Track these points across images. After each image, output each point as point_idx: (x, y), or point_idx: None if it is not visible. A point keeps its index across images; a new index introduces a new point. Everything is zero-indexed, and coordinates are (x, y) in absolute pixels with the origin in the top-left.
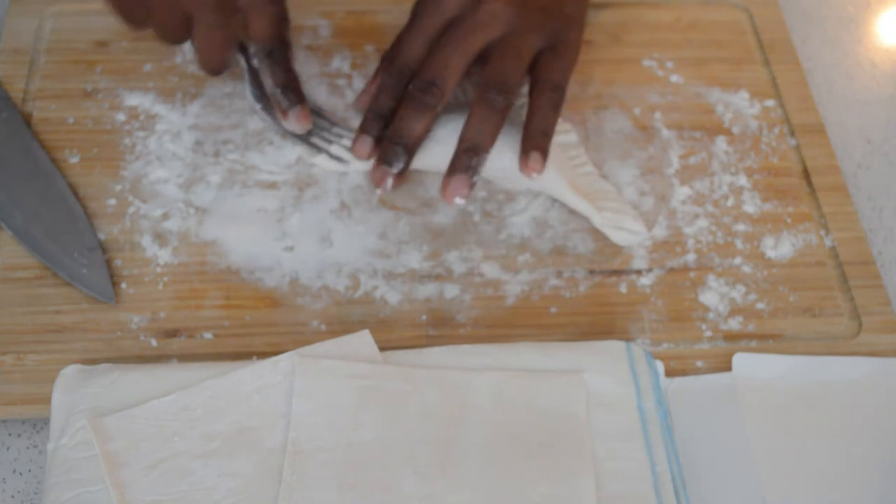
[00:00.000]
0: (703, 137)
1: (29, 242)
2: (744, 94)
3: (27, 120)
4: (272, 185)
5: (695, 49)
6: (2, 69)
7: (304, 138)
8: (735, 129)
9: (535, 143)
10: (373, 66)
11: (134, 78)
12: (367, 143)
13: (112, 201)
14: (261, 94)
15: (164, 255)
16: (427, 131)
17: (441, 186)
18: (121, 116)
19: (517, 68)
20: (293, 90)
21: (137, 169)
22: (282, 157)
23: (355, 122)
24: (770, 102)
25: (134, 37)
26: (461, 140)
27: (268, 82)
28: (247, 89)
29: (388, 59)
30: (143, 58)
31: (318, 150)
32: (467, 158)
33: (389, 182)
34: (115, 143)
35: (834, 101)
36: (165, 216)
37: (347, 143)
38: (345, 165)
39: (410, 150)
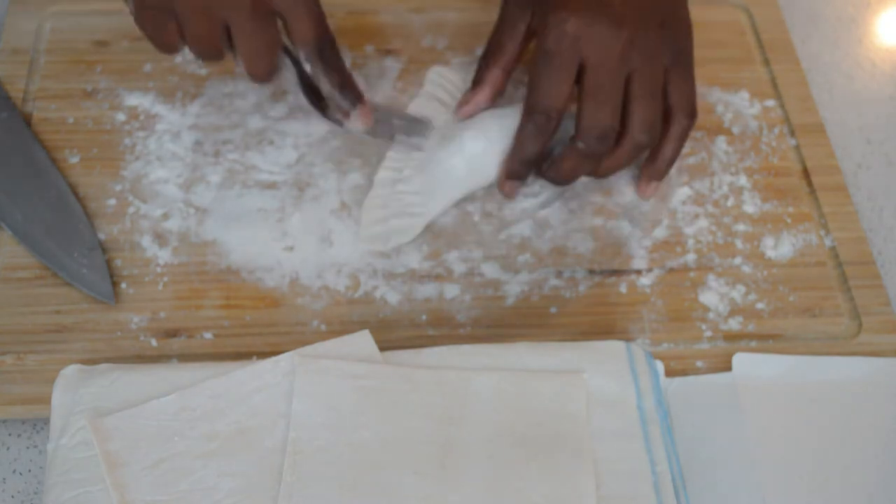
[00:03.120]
0: (703, 137)
1: (29, 242)
2: (744, 94)
3: (27, 120)
4: (272, 185)
5: (695, 49)
6: (2, 69)
7: (370, 133)
8: (735, 129)
9: (660, 173)
10: (373, 65)
11: (134, 78)
12: (515, 187)
13: (112, 201)
14: (316, 97)
15: (164, 255)
16: None
17: (500, 182)
18: (121, 116)
19: (656, 109)
20: (351, 88)
21: (137, 169)
22: (282, 157)
23: (417, 110)
24: (770, 102)
25: (135, 37)
26: (549, 171)
27: (324, 85)
28: (301, 94)
29: (531, 103)
30: (143, 58)
31: (381, 132)
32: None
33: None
34: (115, 143)
35: (834, 101)
36: (165, 216)
37: (408, 130)
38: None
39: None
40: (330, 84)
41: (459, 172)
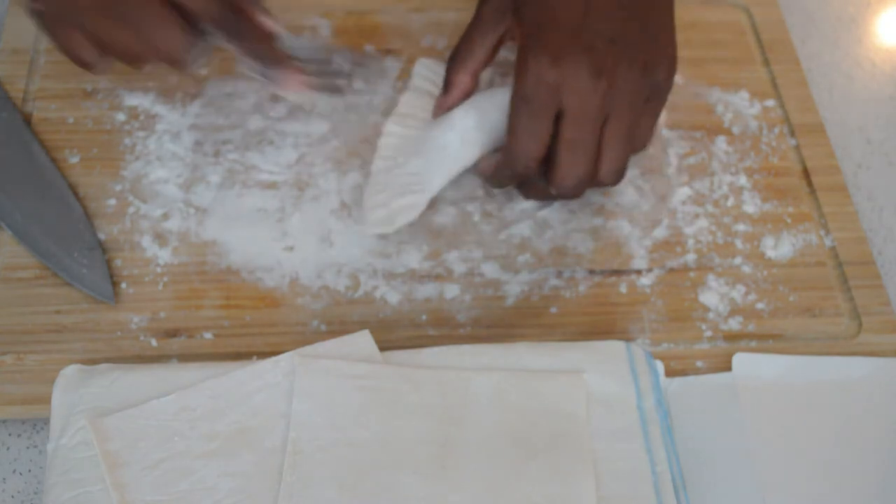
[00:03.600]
0: (703, 137)
1: (29, 242)
2: (744, 94)
3: (27, 120)
4: (272, 185)
5: (695, 49)
6: (2, 69)
7: (319, 87)
8: (735, 129)
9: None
10: (373, 66)
11: (134, 78)
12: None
13: (112, 201)
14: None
15: (164, 255)
16: None
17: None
18: (121, 116)
19: (626, 153)
20: (270, 57)
21: (137, 169)
22: (282, 156)
23: (407, 105)
24: (770, 102)
25: None
26: (522, 194)
27: (245, 60)
28: (243, 65)
29: (509, 150)
30: None
31: (328, 87)
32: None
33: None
34: (115, 143)
35: (834, 101)
36: (165, 216)
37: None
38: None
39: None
40: (244, 54)
41: (454, 146)
